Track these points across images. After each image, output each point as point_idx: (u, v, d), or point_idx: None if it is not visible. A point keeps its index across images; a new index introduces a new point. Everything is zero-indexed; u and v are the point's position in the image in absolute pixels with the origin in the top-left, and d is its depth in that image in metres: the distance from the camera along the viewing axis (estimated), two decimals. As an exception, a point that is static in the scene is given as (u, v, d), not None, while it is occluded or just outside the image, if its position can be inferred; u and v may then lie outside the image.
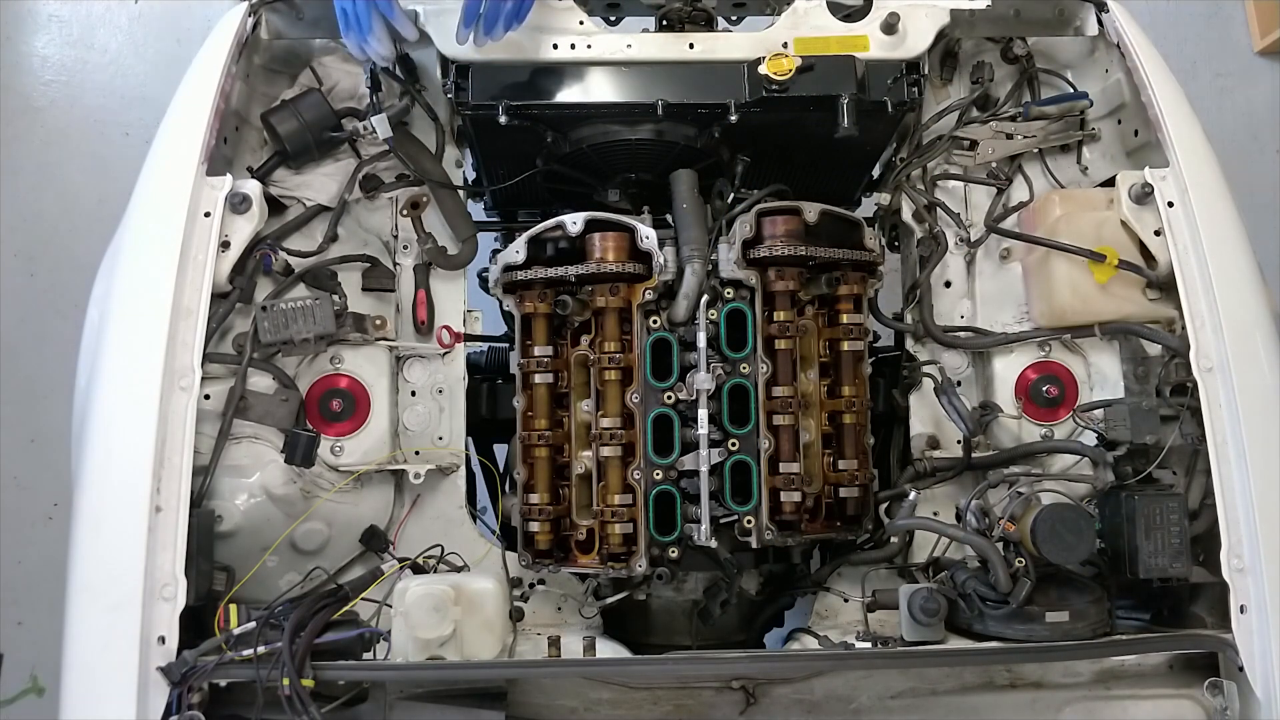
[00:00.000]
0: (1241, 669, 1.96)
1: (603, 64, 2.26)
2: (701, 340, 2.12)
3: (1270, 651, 1.93)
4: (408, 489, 2.34)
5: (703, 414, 2.10)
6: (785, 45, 2.28)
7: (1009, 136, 2.46)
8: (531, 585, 2.39)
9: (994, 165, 2.47)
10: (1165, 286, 2.24)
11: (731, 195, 2.34)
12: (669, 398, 2.13)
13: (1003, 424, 2.35)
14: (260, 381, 2.20)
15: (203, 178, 2.15)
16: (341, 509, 2.26)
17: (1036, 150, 2.47)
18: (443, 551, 2.22)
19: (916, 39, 2.29)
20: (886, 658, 2.03)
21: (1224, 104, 4.15)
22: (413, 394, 2.39)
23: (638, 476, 2.12)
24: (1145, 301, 2.27)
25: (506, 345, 2.65)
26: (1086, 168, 2.50)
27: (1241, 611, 1.97)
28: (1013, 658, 2.05)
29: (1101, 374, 2.31)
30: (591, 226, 2.20)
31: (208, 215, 2.13)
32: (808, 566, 2.41)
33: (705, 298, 2.13)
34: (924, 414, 2.45)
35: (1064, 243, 2.28)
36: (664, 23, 2.43)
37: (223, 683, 1.90)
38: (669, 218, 2.27)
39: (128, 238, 2.14)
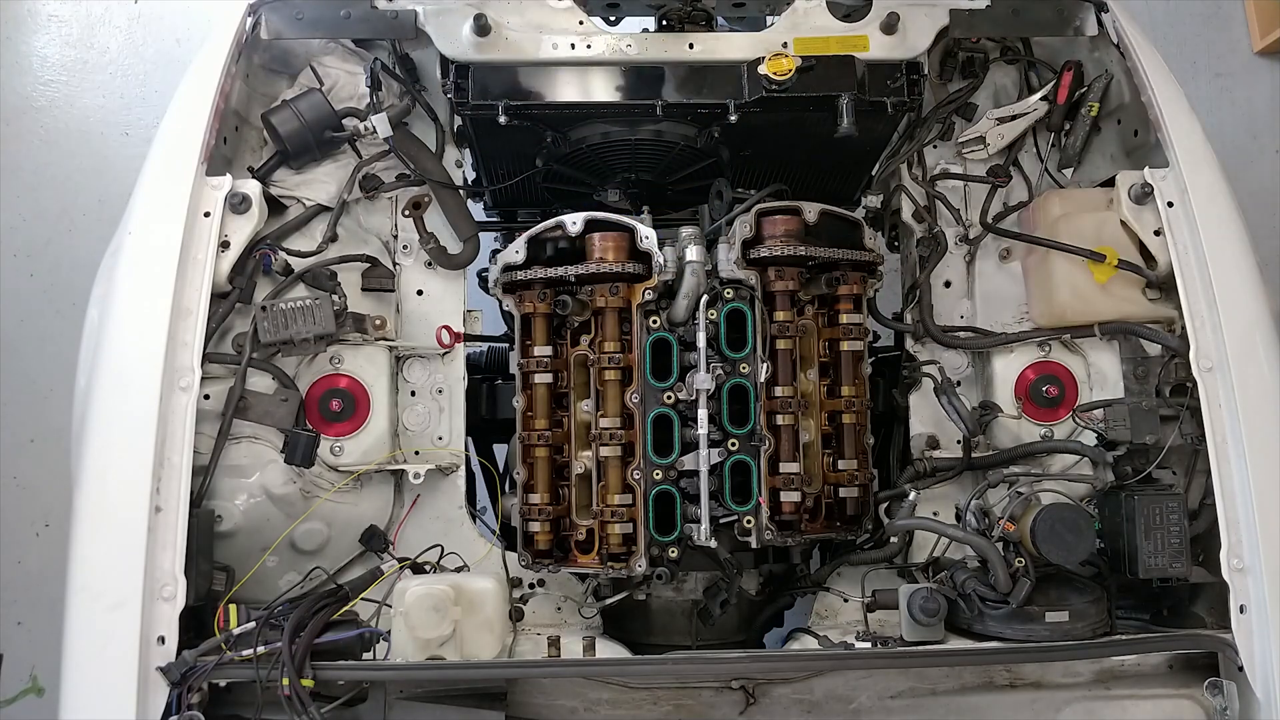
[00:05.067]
0: (1241, 669, 1.96)
1: (602, 64, 2.26)
2: (701, 340, 2.12)
3: (1270, 651, 1.94)
4: (407, 489, 2.33)
5: (702, 414, 2.10)
6: (785, 45, 2.28)
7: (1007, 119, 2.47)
8: (531, 585, 2.39)
9: (995, 164, 2.48)
10: (1165, 286, 2.24)
11: (731, 195, 2.34)
12: (669, 398, 2.12)
13: (1003, 424, 2.35)
14: (260, 381, 2.20)
15: (203, 178, 2.15)
16: (341, 509, 2.26)
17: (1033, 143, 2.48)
18: (442, 551, 2.22)
19: (916, 39, 2.29)
20: (886, 658, 2.03)
21: (1224, 104, 4.14)
22: (412, 394, 2.39)
23: (637, 476, 2.12)
24: (1145, 301, 2.28)
25: (506, 345, 2.65)
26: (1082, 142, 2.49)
27: (1241, 611, 1.97)
28: (1013, 658, 2.05)
29: (1101, 374, 2.31)
30: (591, 226, 2.20)
31: (208, 215, 2.13)
32: (808, 566, 2.41)
33: (705, 298, 2.13)
34: (924, 414, 2.45)
35: (1064, 243, 2.28)
36: (664, 23, 2.43)
37: (222, 683, 1.91)
38: (669, 217, 2.27)
39: (128, 238, 2.14)
